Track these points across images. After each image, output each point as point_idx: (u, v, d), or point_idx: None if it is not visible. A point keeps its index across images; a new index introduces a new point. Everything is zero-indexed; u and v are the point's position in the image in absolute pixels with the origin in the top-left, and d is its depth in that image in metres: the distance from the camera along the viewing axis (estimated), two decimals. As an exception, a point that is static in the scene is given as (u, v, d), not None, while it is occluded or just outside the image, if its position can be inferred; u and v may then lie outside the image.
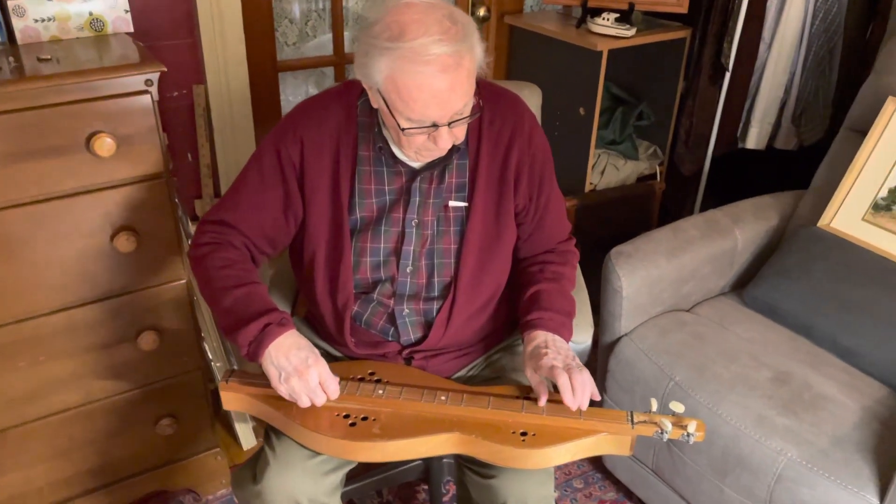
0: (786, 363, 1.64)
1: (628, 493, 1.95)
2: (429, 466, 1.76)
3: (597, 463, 2.03)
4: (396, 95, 1.14)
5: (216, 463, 1.92)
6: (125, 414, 1.74)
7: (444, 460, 1.72)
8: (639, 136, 2.54)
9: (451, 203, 1.34)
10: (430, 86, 1.11)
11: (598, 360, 1.89)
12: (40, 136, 1.40)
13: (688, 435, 1.19)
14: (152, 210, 1.56)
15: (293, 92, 2.54)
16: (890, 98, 1.76)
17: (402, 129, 1.17)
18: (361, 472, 2.00)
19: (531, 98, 1.72)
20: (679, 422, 1.20)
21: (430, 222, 1.34)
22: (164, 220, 1.59)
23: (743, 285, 1.91)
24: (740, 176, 2.65)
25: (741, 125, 2.43)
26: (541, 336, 1.30)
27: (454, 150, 1.30)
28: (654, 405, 1.22)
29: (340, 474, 1.34)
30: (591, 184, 2.37)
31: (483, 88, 1.34)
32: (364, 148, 1.33)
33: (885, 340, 1.60)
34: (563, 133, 2.35)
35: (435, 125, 1.16)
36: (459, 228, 1.35)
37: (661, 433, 1.19)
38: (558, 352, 1.26)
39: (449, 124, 1.17)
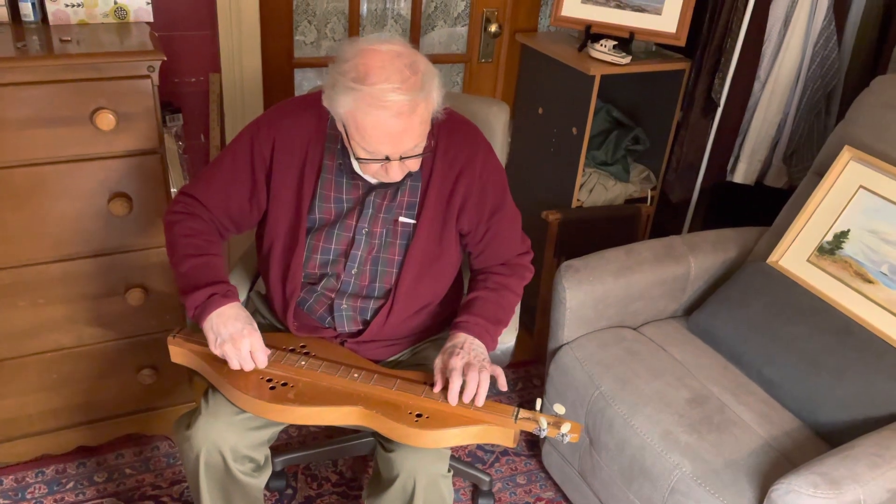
0: (708, 387, 1.74)
1: (565, 496, 2.06)
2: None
3: (541, 462, 2.14)
4: (355, 130, 1.30)
5: (190, 415, 2.12)
6: (111, 360, 1.95)
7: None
8: (635, 159, 2.63)
9: (401, 219, 1.50)
10: (385, 127, 1.27)
11: (545, 363, 2.01)
12: (52, 106, 1.61)
13: (562, 435, 1.31)
14: (146, 180, 1.76)
15: (310, 86, 2.72)
16: (846, 147, 1.82)
17: (358, 159, 1.34)
18: (318, 440, 2.17)
19: (499, 115, 1.84)
20: (558, 422, 1.33)
21: (378, 233, 1.50)
22: (155, 190, 1.78)
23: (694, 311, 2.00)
24: (732, 208, 2.71)
25: (732, 159, 2.50)
26: (461, 337, 1.45)
27: (408, 174, 1.45)
28: (539, 404, 1.35)
29: (268, 433, 1.50)
30: (578, 200, 2.48)
31: (443, 121, 1.48)
32: (329, 158, 1.48)
33: (804, 377, 1.67)
34: (557, 150, 2.47)
35: (388, 158, 1.32)
36: (405, 242, 1.50)
37: (540, 430, 1.32)
38: (468, 353, 1.40)
39: (401, 159, 1.32)
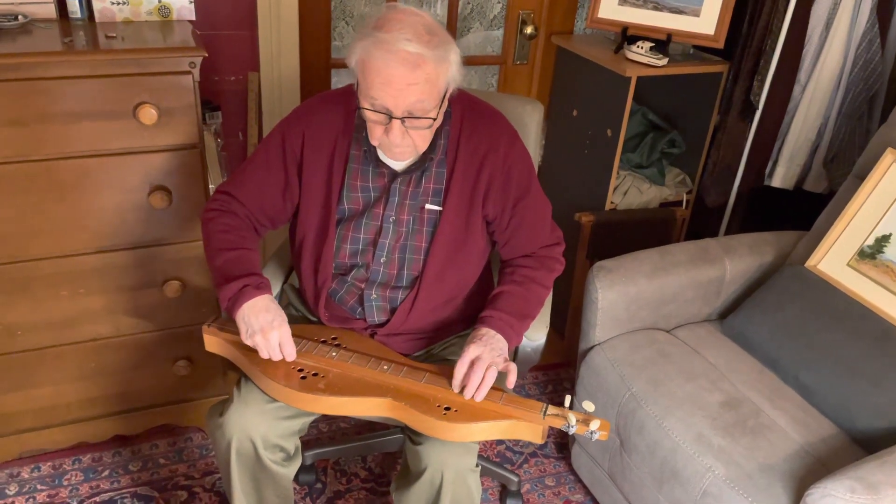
0: (743, 391, 1.71)
1: (594, 498, 2.04)
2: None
3: (570, 464, 2.13)
4: (362, 75, 1.33)
5: (223, 408, 2.15)
6: (147, 351, 1.99)
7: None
8: (671, 163, 2.60)
9: (427, 206, 1.50)
10: (388, 72, 1.28)
11: (576, 364, 2.00)
12: (96, 100, 1.65)
13: (591, 432, 1.30)
14: (185, 175, 1.80)
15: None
16: (889, 149, 1.78)
17: (361, 109, 1.34)
18: (348, 436, 2.18)
19: (533, 114, 1.84)
20: (587, 419, 1.32)
21: (405, 220, 1.51)
22: (194, 185, 1.82)
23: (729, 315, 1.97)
24: (770, 213, 2.67)
25: (770, 163, 2.46)
26: (482, 331, 1.45)
27: (430, 157, 1.46)
28: (568, 401, 1.34)
29: (298, 423, 1.51)
30: (612, 203, 2.46)
31: (467, 106, 1.50)
32: (356, 148, 1.51)
33: (842, 383, 1.64)
34: (592, 152, 2.46)
35: (389, 116, 1.32)
36: (431, 229, 1.51)
37: (568, 426, 1.31)
38: (485, 345, 1.40)
39: (403, 121, 1.33)
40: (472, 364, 1.35)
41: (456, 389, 1.35)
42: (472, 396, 1.34)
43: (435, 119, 1.37)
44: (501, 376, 1.40)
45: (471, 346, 1.38)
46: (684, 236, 2.64)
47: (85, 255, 1.81)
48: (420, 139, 1.39)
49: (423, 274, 1.51)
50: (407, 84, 1.29)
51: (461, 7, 2.54)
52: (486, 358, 1.36)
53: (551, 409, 1.34)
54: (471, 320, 1.64)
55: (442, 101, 1.37)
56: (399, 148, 1.39)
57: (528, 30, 2.57)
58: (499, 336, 1.44)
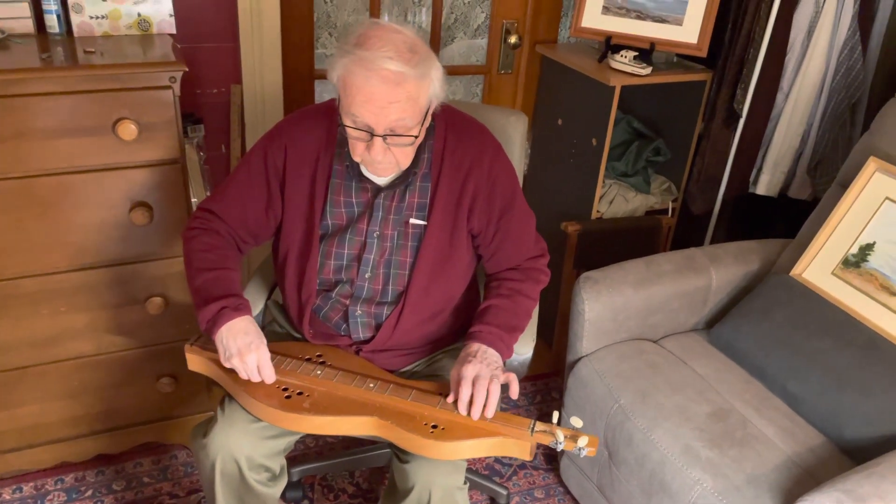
0: (730, 401, 1.71)
1: (583, 509, 2.04)
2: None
3: (559, 476, 2.12)
4: (343, 91, 1.31)
5: (208, 424, 2.13)
6: (130, 368, 1.96)
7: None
8: (656, 171, 2.61)
9: (412, 220, 1.49)
10: (369, 90, 1.27)
11: (564, 376, 1.99)
12: (75, 116, 1.63)
13: (579, 449, 1.29)
14: (167, 190, 1.78)
15: (331, 97, 2.75)
16: (872, 158, 1.79)
17: (343, 126, 1.33)
18: (335, 451, 2.17)
19: (517, 125, 1.83)
20: (575, 435, 1.31)
21: (389, 235, 1.49)
22: (176, 200, 1.80)
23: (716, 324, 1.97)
24: (755, 220, 2.67)
25: (754, 171, 2.47)
26: (475, 346, 1.43)
27: (413, 172, 1.45)
28: (556, 416, 1.33)
29: (283, 442, 1.50)
30: (598, 212, 2.46)
31: (450, 120, 1.49)
32: (339, 163, 1.49)
33: (829, 392, 1.64)
34: (577, 161, 2.45)
35: (371, 133, 1.31)
36: (416, 244, 1.50)
37: (556, 443, 1.30)
38: (481, 361, 1.38)
39: (385, 138, 1.31)
40: (473, 383, 1.34)
41: (463, 412, 1.33)
42: (482, 415, 1.32)
43: (417, 136, 1.36)
44: (503, 389, 1.39)
45: (467, 366, 1.36)
46: (670, 244, 2.65)
47: (66, 272, 1.78)
48: (402, 156, 1.38)
49: (409, 289, 1.50)
50: (388, 102, 1.28)
51: (445, 16, 2.53)
52: (485, 374, 1.35)
53: (539, 426, 1.33)
54: (457, 334, 1.63)
55: (424, 118, 1.36)
56: (381, 164, 1.37)
57: (513, 39, 2.57)
58: (491, 350, 1.42)
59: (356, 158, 1.40)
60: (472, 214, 1.50)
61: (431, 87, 1.34)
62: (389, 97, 1.27)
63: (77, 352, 1.89)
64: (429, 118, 1.39)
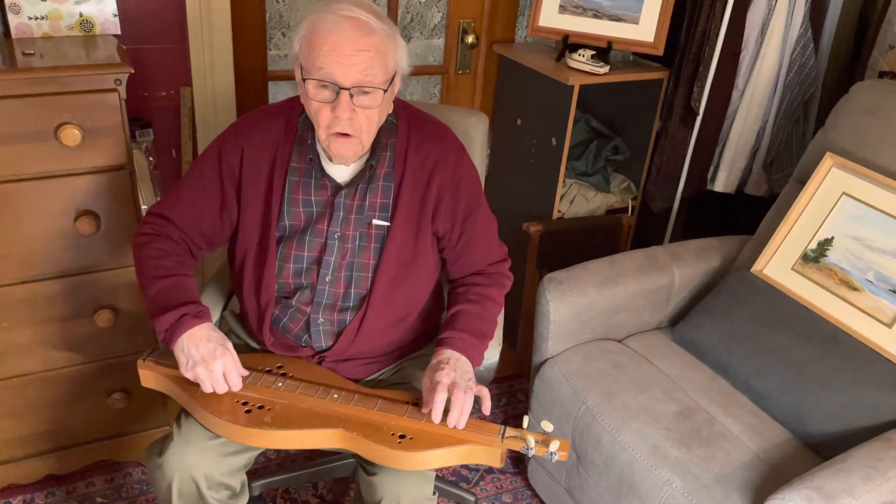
0: (696, 399, 1.70)
1: (551, 512, 2.02)
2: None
3: (527, 480, 2.10)
4: (308, 48, 1.28)
5: (164, 440, 2.05)
6: (80, 384, 1.88)
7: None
8: (615, 170, 2.61)
9: (375, 221, 1.45)
10: (338, 36, 1.25)
11: (531, 378, 1.97)
12: (14, 122, 1.55)
13: (551, 453, 1.27)
14: (114, 198, 1.70)
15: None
16: (828, 154, 1.81)
17: (306, 81, 1.29)
18: (298, 462, 2.11)
19: (478, 125, 1.80)
20: (546, 440, 1.28)
21: (351, 236, 1.44)
22: (124, 208, 1.72)
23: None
24: (713, 217, 2.70)
25: (712, 168, 2.48)
26: (446, 353, 1.39)
27: (371, 165, 1.40)
28: (526, 421, 1.30)
29: (244, 458, 1.44)
30: (559, 211, 2.45)
31: (413, 117, 1.45)
32: (297, 160, 1.44)
33: (791, 387, 1.65)
34: (537, 161, 2.44)
35: (338, 88, 1.27)
36: (379, 246, 1.45)
37: (527, 449, 1.27)
38: (454, 369, 1.35)
39: (351, 96, 1.27)
40: (450, 389, 1.30)
41: (437, 420, 1.29)
42: (455, 424, 1.29)
43: (385, 91, 1.31)
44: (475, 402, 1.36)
45: (441, 373, 1.32)
46: (631, 242, 2.65)
47: (9, 285, 1.70)
48: (367, 123, 1.33)
49: (372, 292, 1.45)
50: (356, 49, 1.25)
51: (401, 16, 2.49)
52: (461, 384, 1.31)
53: (510, 432, 1.30)
54: (423, 340, 1.59)
55: (390, 83, 1.32)
56: (346, 124, 1.30)
57: (470, 39, 2.54)
58: (463, 358, 1.39)
59: (321, 132, 1.34)
60: (437, 215, 1.46)
61: (398, 52, 1.32)
62: (358, 44, 1.25)
63: (22, 369, 1.80)
64: (394, 89, 1.36)
